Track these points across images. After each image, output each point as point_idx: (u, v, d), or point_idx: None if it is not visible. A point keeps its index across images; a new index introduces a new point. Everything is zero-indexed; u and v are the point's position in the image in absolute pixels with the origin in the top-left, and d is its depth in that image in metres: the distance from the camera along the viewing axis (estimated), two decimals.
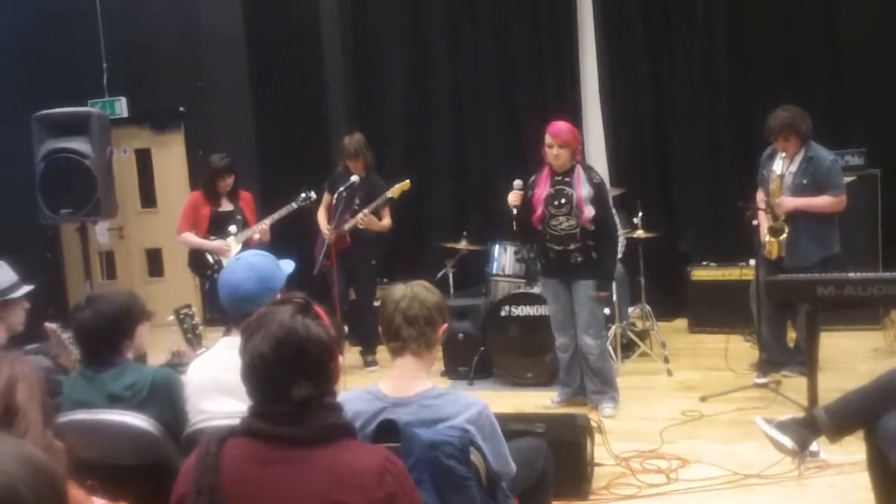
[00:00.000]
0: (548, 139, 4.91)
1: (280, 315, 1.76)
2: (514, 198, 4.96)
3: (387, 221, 6.37)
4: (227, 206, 6.04)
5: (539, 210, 4.96)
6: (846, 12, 6.83)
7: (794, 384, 5.13)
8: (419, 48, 7.97)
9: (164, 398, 2.67)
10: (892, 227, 6.43)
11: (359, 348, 6.64)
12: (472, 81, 7.83)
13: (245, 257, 2.77)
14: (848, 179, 5.51)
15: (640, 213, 6.14)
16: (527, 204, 4.98)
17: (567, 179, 4.95)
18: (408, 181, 6.15)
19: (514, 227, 5.05)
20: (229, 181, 5.99)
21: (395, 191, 6.13)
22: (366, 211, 6.12)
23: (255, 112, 8.33)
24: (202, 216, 5.99)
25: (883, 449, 2.73)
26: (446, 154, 7.97)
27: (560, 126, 4.95)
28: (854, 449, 3.33)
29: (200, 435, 2.11)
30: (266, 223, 5.97)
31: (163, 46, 8.44)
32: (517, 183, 5.00)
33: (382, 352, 5.42)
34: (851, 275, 4.32)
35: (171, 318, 3.37)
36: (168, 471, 2.30)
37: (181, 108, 8.65)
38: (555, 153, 4.89)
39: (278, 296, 2.37)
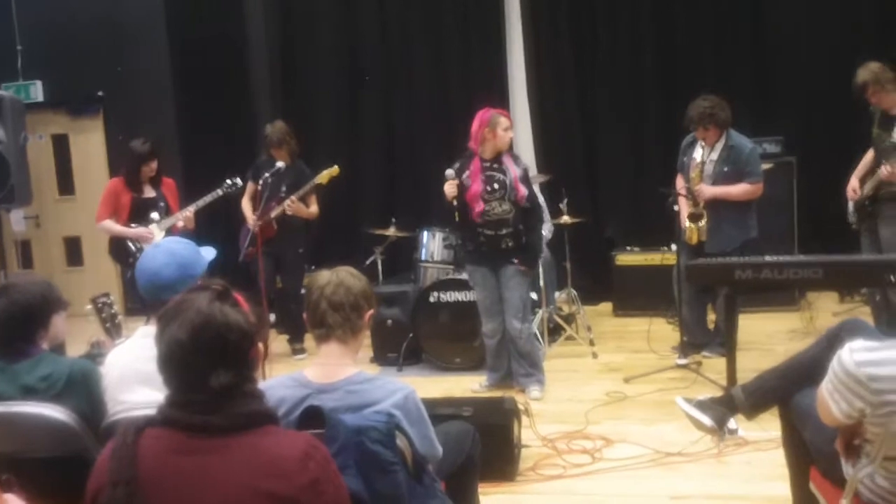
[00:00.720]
0: (505, 122, 4.99)
1: (198, 302, 1.72)
2: (450, 189, 4.95)
3: (314, 209, 6.31)
4: (149, 192, 5.88)
5: (480, 206, 4.96)
6: (769, 5, 7.02)
7: (714, 364, 5.29)
8: (346, 33, 7.90)
9: (82, 389, 2.59)
10: (808, 212, 6.66)
11: (286, 336, 6.58)
12: (400, 70, 7.80)
13: (165, 244, 2.70)
14: (765, 166, 5.67)
15: (566, 200, 6.23)
16: (463, 199, 4.98)
17: (496, 165, 4.99)
18: (336, 167, 6.10)
19: (457, 220, 5.05)
20: (153, 166, 5.84)
21: (323, 177, 6.07)
22: (293, 197, 6.05)
23: (177, 97, 8.13)
24: (123, 203, 5.82)
25: (797, 425, 2.82)
26: (374, 141, 7.94)
27: (498, 111, 5.06)
28: (770, 426, 3.44)
29: (118, 426, 2.06)
30: (190, 210, 5.83)
31: (81, 29, 8.15)
32: (449, 173, 5.00)
33: (311, 340, 5.38)
34: (768, 258, 4.45)
35: (89, 307, 3.27)
36: (86, 463, 2.23)
37: (100, 93, 8.38)
38: (510, 135, 5.01)
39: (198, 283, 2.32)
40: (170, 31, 8.07)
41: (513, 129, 5.07)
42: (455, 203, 4.96)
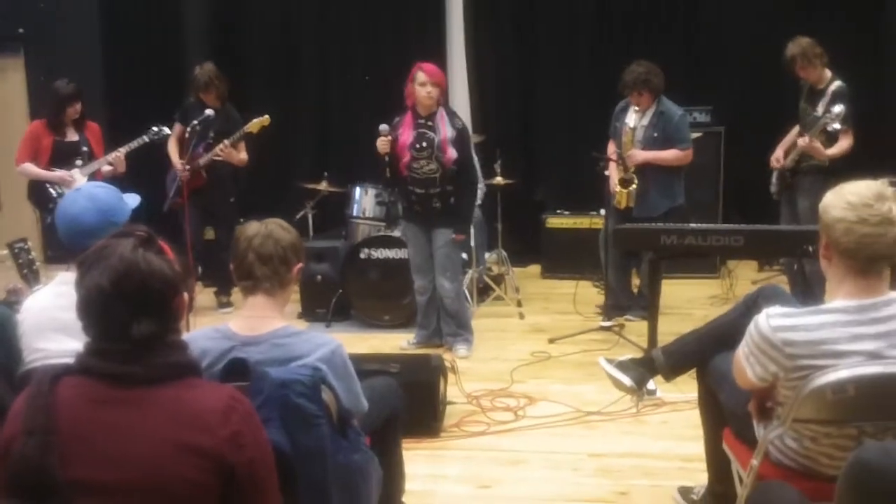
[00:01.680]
0: (421, 77, 4.88)
1: (120, 248, 1.66)
2: (382, 144, 4.91)
3: (243, 155, 6.16)
4: (72, 136, 5.69)
5: (406, 157, 4.94)
6: None
7: (637, 327, 5.42)
8: None
9: None
10: (733, 182, 6.82)
11: (213, 289, 6.47)
12: (336, 20, 7.65)
13: (86, 188, 2.60)
14: (695, 135, 5.79)
15: (500, 161, 6.24)
16: (394, 153, 4.94)
17: (430, 123, 4.95)
18: (267, 117, 5.96)
19: (388, 175, 5.01)
20: (77, 108, 5.63)
21: (253, 125, 5.93)
22: (226, 142, 5.90)
23: (103, 37, 7.81)
24: (44, 146, 5.61)
25: (713, 388, 2.90)
26: (309, 93, 7.80)
27: (433, 66, 4.95)
28: (687, 388, 3.54)
29: (34, 374, 2.00)
30: (121, 151, 5.64)
31: None
32: (383, 128, 4.95)
33: (238, 294, 5.31)
34: (692, 225, 4.56)
35: (5, 252, 3.16)
36: (0, 412, 2.17)
37: (20, 30, 7.99)
38: (427, 91, 4.87)
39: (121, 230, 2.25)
40: None
41: (435, 87, 4.87)
42: (387, 159, 4.92)
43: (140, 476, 1.60)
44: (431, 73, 4.88)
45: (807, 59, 5.14)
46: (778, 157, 5.46)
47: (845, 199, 2.15)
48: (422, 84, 4.87)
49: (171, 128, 5.95)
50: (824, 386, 2.13)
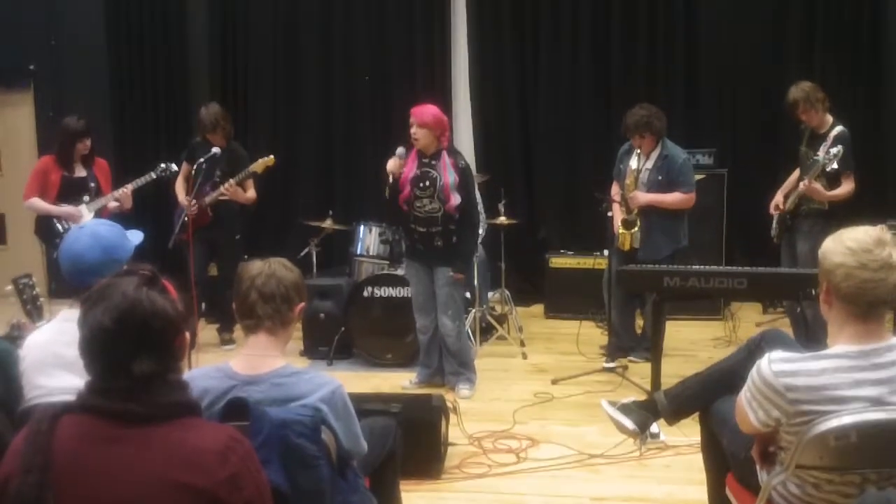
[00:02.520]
0: (412, 119, 4.92)
1: (124, 286, 1.67)
2: (393, 164, 4.94)
3: (251, 194, 6.20)
4: (80, 172, 5.72)
5: (406, 190, 4.98)
6: (703, 19, 7.19)
7: (640, 369, 5.39)
8: (287, 22, 7.80)
9: None
10: (736, 224, 6.83)
11: (216, 326, 6.47)
12: (342, 60, 7.74)
13: (89, 226, 2.62)
14: (698, 177, 5.81)
15: (503, 200, 6.27)
16: (395, 183, 4.98)
17: (433, 163, 4.98)
18: (272, 157, 6.01)
19: (387, 194, 5.02)
20: (86, 144, 5.67)
21: (258, 165, 5.98)
22: (231, 182, 5.94)
23: (112, 75, 7.92)
24: (52, 181, 5.64)
25: (715, 431, 2.88)
26: (314, 132, 7.86)
27: (423, 108, 4.95)
28: (691, 431, 3.52)
29: (34, 411, 2.00)
30: (128, 188, 5.68)
31: (13, 0, 7.87)
32: (400, 150, 4.98)
33: (241, 330, 5.31)
34: (695, 267, 4.56)
35: (10, 287, 3.18)
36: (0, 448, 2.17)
37: (31, 67, 8.11)
38: (413, 132, 4.90)
39: (124, 268, 2.27)
40: (107, 5, 7.85)
41: (421, 128, 4.85)
42: (391, 179, 4.94)
43: None
44: (415, 114, 4.91)
45: (809, 103, 5.18)
46: (777, 202, 5.48)
47: (845, 245, 2.15)
48: (410, 125, 4.92)
49: (178, 164, 5.99)
50: (827, 432, 2.12)
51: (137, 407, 1.64)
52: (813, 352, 2.24)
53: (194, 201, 5.82)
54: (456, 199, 4.93)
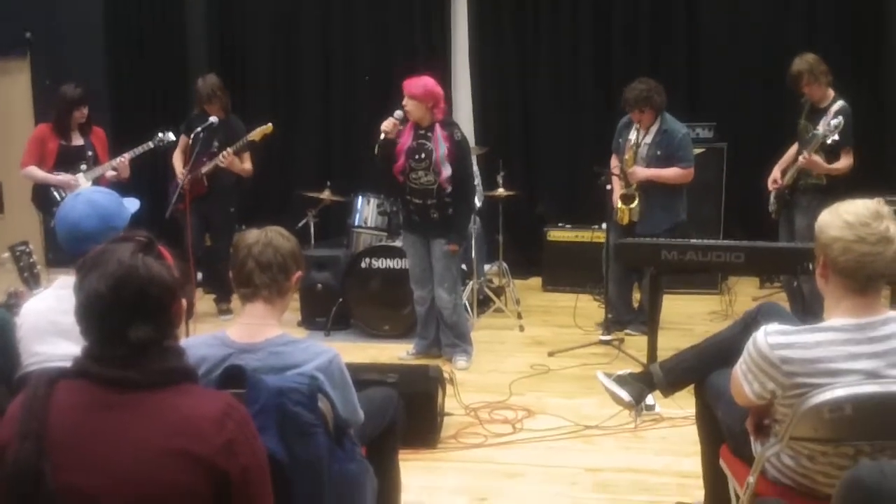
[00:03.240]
0: (405, 93, 4.89)
1: (119, 253, 1.66)
2: (387, 124, 4.92)
3: (248, 165, 6.19)
4: (77, 140, 5.70)
5: (400, 160, 4.96)
6: None
7: (637, 342, 5.41)
8: None
9: None
10: (735, 198, 6.82)
11: (213, 296, 6.48)
12: (341, 32, 7.68)
13: (85, 193, 2.60)
14: (697, 151, 5.80)
15: (502, 173, 6.25)
16: (391, 151, 4.96)
17: (429, 134, 4.96)
18: (270, 125, 5.97)
19: (376, 151, 5.00)
20: (84, 112, 5.65)
21: (256, 134, 5.94)
22: (228, 150, 5.92)
23: (109, 44, 7.85)
24: (49, 150, 5.62)
25: (710, 404, 2.90)
26: (312, 102, 7.81)
27: (414, 80, 4.91)
28: (686, 404, 3.53)
29: (31, 378, 2.00)
30: (126, 157, 5.66)
31: None
32: (398, 113, 4.95)
33: (238, 301, 5.31)
34: (693, 241, 4.56)
35: (7, 255, 3.17)
36: None
37: (27, 35, 8.03)
38: (404, 103, 4.89)
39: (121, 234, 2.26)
40: None
41: (411, 100, 4.83)
42: (382, 136, 4.92)
43: (132, 481, 1.60)
44: (407, 87, 4.88)
45: (813, 75, 5.14)
46: (775, 177, 5.45)
47: (842, 219, 2.15)
48: (404, 99, 4.90)
49: (175, 133, 5.96)
50: (821, 404, 2.13)
51: (134, 373, 1.64)
52: (810, 325, 2.25)
53: (189, 174, 5.80)
54: (447, 171, 4.91)
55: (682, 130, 5.47)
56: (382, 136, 4.92)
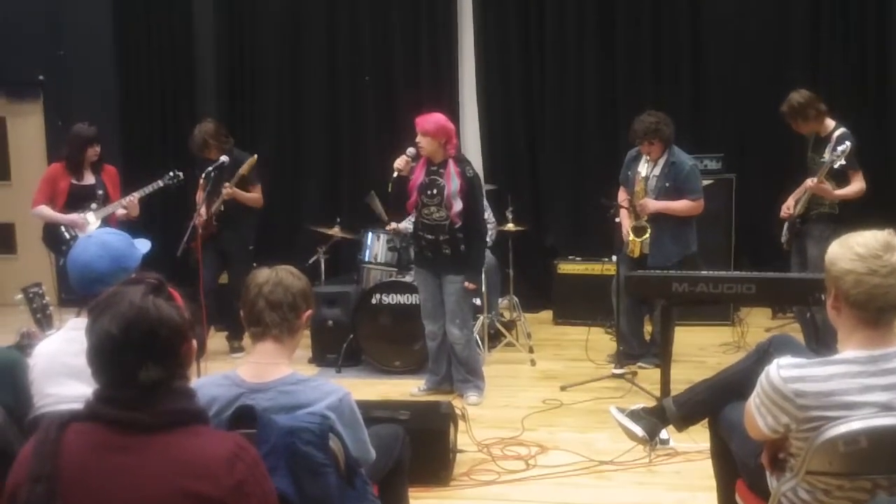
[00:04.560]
0: (418, 130, 4.93)
1: (130, 294, 1.68)
2: (400, 162, 4.95)
3: (256, 195, 6.19)
4: (88, 179, 5.75)
5: (413, 197, 4.99)
6: (708, 27, 7.21)
7: (649, 375, 5.36)
8: (294, 31, 7.85)
9: (7, 380, 2.51)
10: (745, 229, 6.81)
11: (225, 333, 6.48)
12: (349, 69, 7.77)
13: (97, 235, 2.63)
14: (706, 183, 5.80)
15: (511, 207, 6.27)
16: (404, 187, 4.99)
17: (441, 171, 4.98)
18: (255, 156, 6.01)
19: (390, 189, 5.02)
20: (96, 150, 5.71)
21: (244, 168, 5.97)
22: (227, 184, 5.94)
23: (120, 85, 7.97)
24: (61, 189, 5.67)
25: (725, 438, 2.87)
26: (321, 139, 7.89)
27: (427, 117, 4.95)
28: (700, 437, 3.51)
29: (43, 420, 2.01)
30: (135, 196, 5.71)
31: (21, 12, 7.92)
32: (410, 151, 4.99)
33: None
34: (704, 273, 4.55)
35: (20, 297, 3.19)
36: (9, 457, 2.16)
37: (40, 77, 8.16)
38: (417, 141, 4.92)
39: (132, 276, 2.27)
40: (115, 14, 7.90)
41: (424, 137, 4.87)
42: (395, 174, 4.94)
43: None
44: (419, 124, 4.93)
45: (796, 114, 5.20)
46: (788, 205, 5.45)
47: (853, 251, 2.14)
48: (417, 135, 4.94)
49: (185, 173, 6.00)
50: (836, 438, 2.11)
51: (144, 415, 1.65)
52: (824, 357, 2.23)
53: (202, 211, 5.84)
54: (458, 206, 4.93)
55: (689, 162, 5.48)
56: (395, 174, 4.95)
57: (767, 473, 2.46)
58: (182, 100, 7.95)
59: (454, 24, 7.60)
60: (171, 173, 5.84)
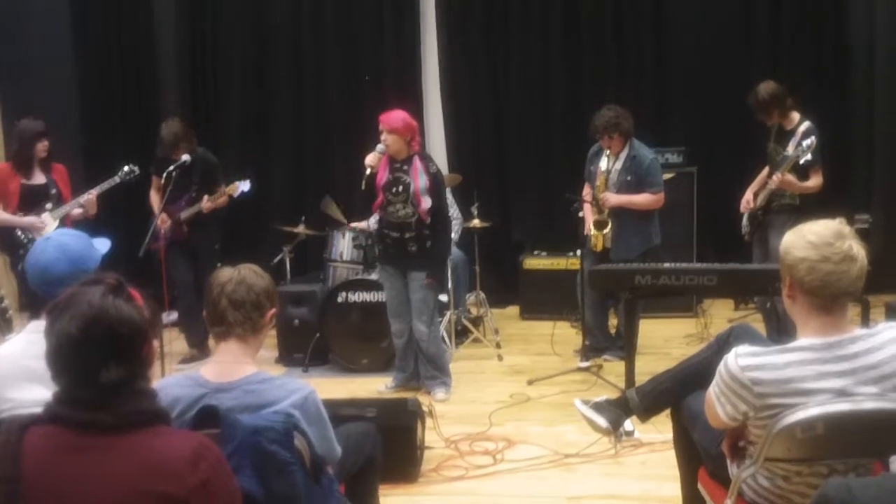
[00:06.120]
0: (380, 126, 4.93)
1: (89, 295, 1.67)
2: (372, 158, 4.94)
3: (224, 198, 6.14)
4: (39, 178, 5.60)
5: (380, 197, 4.99)
6: (671, 22, 7.28)
7: (615, 368, 5.42)
8: (257, 29, 7.79)
9: None
10: (706, 221, 6.90)
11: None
12: (313, 68, 7.73)
13: (55, 237, 2.60)
14: (668, 176, 5.86)
15: (476, 203, 6.28)
16: (370, 186, 4.99)
17: (405, 167, 4.99)
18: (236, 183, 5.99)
19: (363, 187, 5.01)
20: (45, 144, 5.54)
21: (232, 188, 5.95)
22: (206, 198, 5.90)
23: (79, 83, 7.83)
24: (11, 190, 5.49)
25: (687, 427, 2.91)
26: (286, 137, 7.84)
27: (391, 114, 4.96)
28: (665, 428, 3.53)
29: (3, 424, 1.98)
30: (93, 193, 5.61)
31: None
32: (380, 147, 4.97)
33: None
34: (666, 265, 4.60)
35: None
36: None
37: None
38: (383, 138, 4.93)
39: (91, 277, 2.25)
40: (73, 12, 7.77)
41: (390, 134, 4.88)
42: (368, 171, 4.94)
43: None
44: (384, 121, 4.94)
45: (771, 104, 5.26)
46: (748, 199, 5.52)
47: (806, 239, 2.19)
48: (380, 132, 4.95)
49: (142, 168, 5.91)
50: (793, 424, 2.15)
51: (105, 416, 1.64)
52: (779, 346, 2.28)
53: (164, 213, 5.78)
54: (426, 203, 4.94)
55: (649, 156, 5.54)
56: (368, 170, 4.95)
57: (728, 461, 2.50)
58: (142, 93, 7.84)
59: (417, 20, 7.59)
60: (127, 168, 5.75)
